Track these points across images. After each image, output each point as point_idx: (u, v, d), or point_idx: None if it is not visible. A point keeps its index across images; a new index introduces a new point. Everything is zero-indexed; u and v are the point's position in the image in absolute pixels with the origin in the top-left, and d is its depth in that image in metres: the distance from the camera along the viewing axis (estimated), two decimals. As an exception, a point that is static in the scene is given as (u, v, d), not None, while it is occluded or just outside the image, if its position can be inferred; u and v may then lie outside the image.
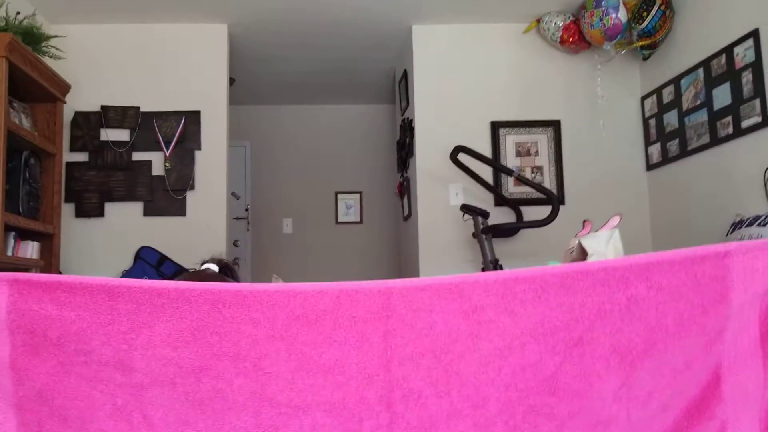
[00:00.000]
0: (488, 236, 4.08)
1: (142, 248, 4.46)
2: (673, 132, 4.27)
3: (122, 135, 4.55)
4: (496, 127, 4.75)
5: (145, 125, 4.56)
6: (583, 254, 1.78)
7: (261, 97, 6.60)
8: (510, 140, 4.75)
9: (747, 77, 3.53)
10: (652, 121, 4.55)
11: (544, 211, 4.00)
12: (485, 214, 4.15)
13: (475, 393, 1.04)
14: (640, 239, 4.57)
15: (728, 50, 3.67)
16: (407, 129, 5.07)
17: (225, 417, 1.03)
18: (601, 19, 4.18)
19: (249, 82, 6.00)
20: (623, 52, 4.43)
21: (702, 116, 3.92)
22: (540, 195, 4.22)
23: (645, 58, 4.44)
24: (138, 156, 4.55)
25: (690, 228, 4.11)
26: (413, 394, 1.04)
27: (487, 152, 4.64)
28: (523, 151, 4.75)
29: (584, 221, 2.02)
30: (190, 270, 4.21)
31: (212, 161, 4.63)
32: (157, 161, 4.56)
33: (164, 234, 4.50)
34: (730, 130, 3.66)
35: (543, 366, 1.04)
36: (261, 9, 4.52)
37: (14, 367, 1.03)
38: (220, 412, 1.03)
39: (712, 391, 1.07)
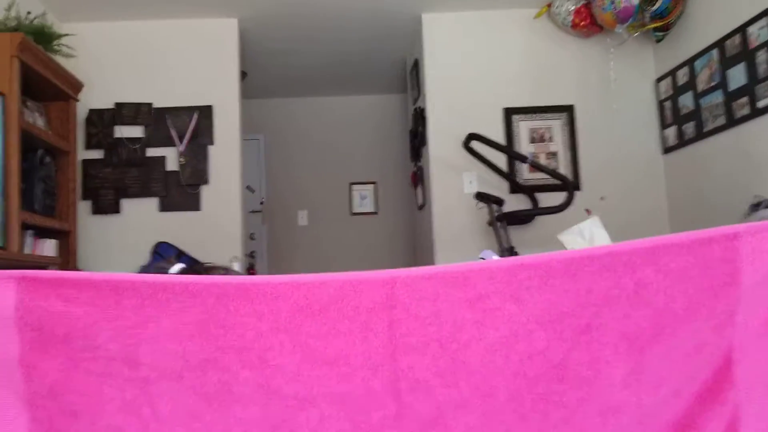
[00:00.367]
0: (503, 224, 4.07)
1: (159, 243, 4.48)
2: (688, 114, 4.22)
3: (136, 131, 4.58)
4: (509, 113, 4.72)
5: (159, 121, 4.58)
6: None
7: (273, 90, 6.61)
8: (523, 126, 4.72)
9: (762, 56, 3.47)
10: (667, 104, 4.50)
11: (559, 197, 3.97)
12: (500, 202, 4.13)
13: (483, 382, 1.03)
14: (657, 224, 4.53)
15: (742, 30, 3.62)
16: (419, 118, 5.05)
17: (232, 409, 1.03)
18: (612, 2, 4.13)
19: (261, 76, 6.01)
20: (636, 34, 4.38)
21: (717, 97, 3.87)
22: (555, 181, 4.19)
23: (658, 40, 4.38)
24: (152, 152, 4.57)
25: (708, 211, 4.06)
26: (420, 384, 1.04)
27: (500, 139, 4.61)
28: (537, 137, 4.72)
29: (586, 210, 2.02)
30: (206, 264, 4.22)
31: (225, 155, 4.64)
32: (171, 157, 4.58)
33: (179, 229, 4.52)
34: (747, 110, 3.61)
35: (551, 353, 1.03)
36: (271, 2, 4.52)
37: (24, 363, 1.03)
38: (227, 404, 1.03)
39: (724, 375, 1.05)
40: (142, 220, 4.53)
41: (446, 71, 4.79)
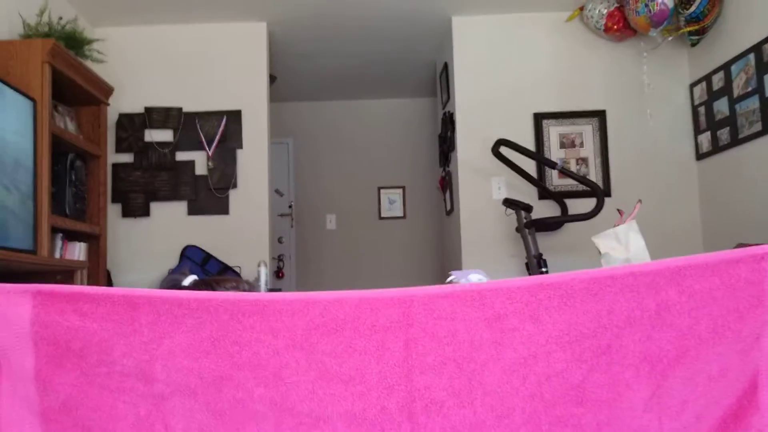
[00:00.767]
0: (532, 230, 4.02)
1: (188, 247, 4.51)
2: (723, 120, 4.14)
3: (166, 135, 4.61)
4: (539, 118, 4.67)
5: (188, 125, 4.62)
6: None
7: (302, 94, 6.62)
8: (554, 132, 4.66)
9: (799, 62, 3.39)
10: (702, 109, 4.42)
11: (589, 203, 3.92)
12: (528, 208, 4.09)
13: (500, 403, 1.01)
14: (689, 232, 4.46)
15: (780, 34, 3.54)
16: (448, 122, 5.03)
17: (246, 427, 1.03)
18: (646, 5, 4.07)
19: (290, 79, 6.02)
20: (670, 38, 4.30)
21: (754, 103, 3.79)
22: (585, 187, 4.14)
23: (693, 44, 4.31)
24: (181, 156, 4.61)
25: (743, 219, 3.98)
26: (435, 404, 1.02)
27: (530, 145, 4.57)
28: (567, 143, 4.66)
29: (618, 210, 1.98)
30: (233, 268, 4.24)
31: (254, 159, 4.66)
32: (200, 161, 4.61)
33: (208, 232, 4.55)
34: (783, 116, 3.53)
35: (569, 375, 1.01)
36: (299, 5, 4.53)
37: (39, 377, 1.04)
38: (241, 422, 1.03)
39: (749, 400, 1.02)
40: (171, 223, 4.56)
41: (476, 75, 4.76)
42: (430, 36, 5.16)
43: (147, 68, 4.67)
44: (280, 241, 6.61)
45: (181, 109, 4.63)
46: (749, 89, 3.83)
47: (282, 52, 5.26)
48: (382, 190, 6.84)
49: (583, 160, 4.64)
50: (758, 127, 3.74)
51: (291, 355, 1.02)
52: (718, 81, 4.19)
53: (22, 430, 1.03)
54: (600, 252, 1.89)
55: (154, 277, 4.42)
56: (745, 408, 1.02)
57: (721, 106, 4.14)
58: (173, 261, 4.48)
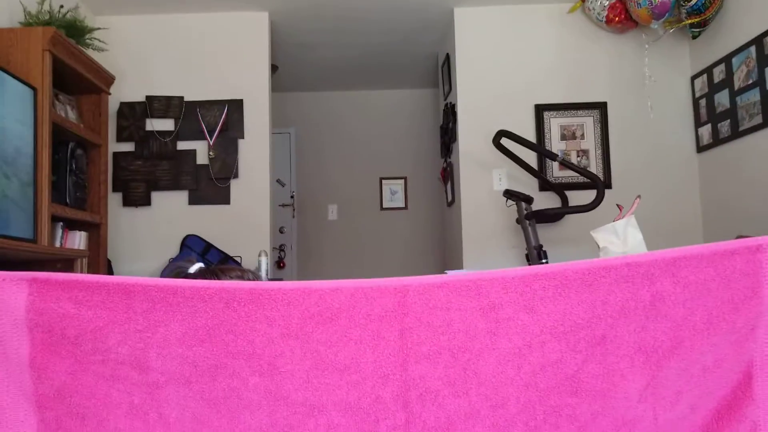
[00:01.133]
0: (532, 222, 4.02)
1: (188, 236, 4.52)
2: (724, 112, 4.13)
3: (167, 125, 4.61)
4: (540, 110, 4.66)
5: (189, 115, 4.62)
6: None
7: (304, 84, 6.61)
8: (555, 123, 4.66)
9: (802, 54, 3.38)
10: (703, 102, 4.41)
11: (589, 195, 3.92)
12: (529, 200, 4.09)
13: (494, 393, 1.01)
14: (689, 224, 4.46)
15: (782, 26, 3.53)
16: (450, 113, 5.02)
17: (240, 416, 1.03)
18: (648, -3, 4.05)
19: (292, 69, 6.01)
20: (671, 30, 4.29)
21: (755, 96, 3.78)
22: (585, 179, 4.14)
23: (694, 37, 4.29)
24: (182, 145, 4.61)
25: (743, 212, 3.98)
26: (430, 394, 1.02)
27: (531, 136, 4.56)
28: (568, 135, 4.66)
29: (618, 205, 1.98)
30: (234, 258, 4.24)
31: (255, 149, 4.66)
32: (201, 150, 4.61)
33: (209, 222, 4.55)
34: (784, 109, 3.52)
35: (564, 365, 1.01)
36: (301, -4, 4.52)
37: (34, 365, 1.04)
38: (236, 410, 1.03)
39: (743, 391, 1.02)
40: (171, 213, 4.57)
41: (478, 66, 4.75)
42: (432, 27, 5.15)
43: (148, 57, 4.66)
44: (281, 231, 6.61)
45: (182, 98, 4.63)
46: (750, 82, 3.82)
47: (284, 41, 5.25)
48: (383, 181, 6.84)
49: (584, 152, 4.63)
50: (759, 119, 3.73)
51: (286, 344, 1.02)
52: (719, 73, 4.18)
53: (17, 417, 1.03)
54: (599, 246, 1.89)
55: (155, 267, 4.43)
56: (740, 398, 1.02)
57: (722, 99, 4.14)
58: (174, 250, 4.49)
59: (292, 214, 6.76)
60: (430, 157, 6.68)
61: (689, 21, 4.11)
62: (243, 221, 4.57)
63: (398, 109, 6.93)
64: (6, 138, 2.94)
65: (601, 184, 3.84)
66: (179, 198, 4.59)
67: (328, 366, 1.02)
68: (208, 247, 4.51)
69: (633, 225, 1.90)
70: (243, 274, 1.60)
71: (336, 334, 1.02)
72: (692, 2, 4.00)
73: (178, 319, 1.02)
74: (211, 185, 4.59)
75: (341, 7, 4.72)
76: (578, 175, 4.27)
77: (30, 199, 3.12)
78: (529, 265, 4.02)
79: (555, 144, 4.62)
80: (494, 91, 4.70)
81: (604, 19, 4.47)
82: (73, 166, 3.71)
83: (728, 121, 4.07)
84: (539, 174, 4.53)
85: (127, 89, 4.56)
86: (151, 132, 4.58)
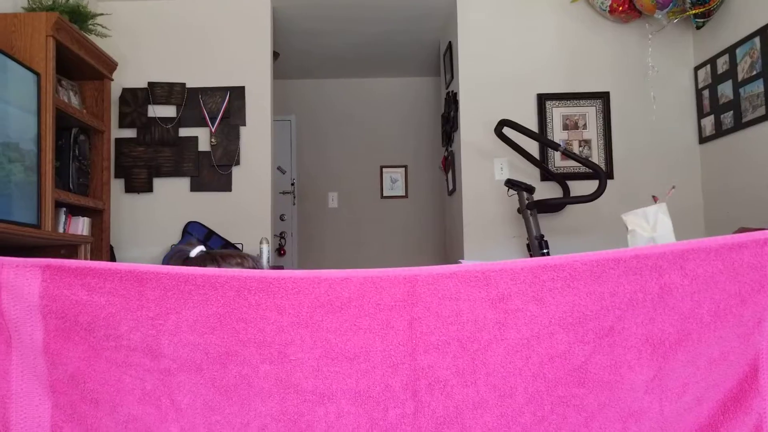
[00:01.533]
0: (534, 212, 4.03)
1: (190, 223, 4.53)
2: (727, 103, 4.13)
3: (169, 111, 4.61)
4: (542, 99, 4.66)
5: (191, 101, 4.61)
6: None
7: (306, 71, 6.60)
8: (557, 113, 4.66)
9: (806, 46, 3.38)
10: (706, 93, 4.41)
11: (591, 185, 3.93)
12: (530, 189, 4.09)
13: (502, 382, 1.03)
14: (691, 215, 4.46)
15: (786, 18, 3.53)
16: (452, 102, 5.02)
17: (251, 403, 1.04)
18: (652, -13, 4.05)
19: (293, 56, 6.00)
20: (675, 20, 4.29)
21: (758, 87, 3.78)
22: (587, 169, 4.14)
23: (698, 27, 4.29)
24: (184, 132, 4.61)
25: (745, 203, 3.98)
26: (439, 383, 1.03)
27: (533, 125, 4.56)
28: (570, 124, 4.65)
29: (653, 197, 2.00)
30: (235, 245, 4.25)
31: (257, 136, 4.66)
32: (203, 137, 4.61)
33: (210, 209, 4.56)
34: (787, 101, 3.52)
35: (572, 356, 1.02)
36: (304, -17, 4.51)
37: (47, 351, 1.05)
38: (246, 398, 1.04)
39: (750, 384, 1.04)
40: (173, 199, 4.57)
41: (480, 55, 4.74)
42: (435, 15, 5.14)
43: (151, 43, 4.65)
44: (282, 218, 6.62)
45: (184, 84, 4.62)
46: (754, 73, 3.82)
47: (285, 29, 5.24)
48: (384, 169, 6.84)
49: (586, 142, 4.63)
50: (762, 111, 3.73)
51: (296, 332, 1.03)
52: (722, 64, 4.17)
53: (32, 402, 1.05)
54: (627, 228, 1.90)
55: (157, 253, 4.44)
56: (746, 391, 1.03)
57: (726, 90, 4.14)
58: (175, 237, 4.50)
59: (293, 202, 6.77)
60: (430, 145, 6.68)
61: (693, 11, 4.10)
62: (244, 208, 4.58)
63: (399, 97, 6.92)
64: (9, 123, 2.94)
65: (603, 174, 3.85)
66: (181, 185, 4.60)
67: (338, 354, 1.04)
68: (210, 233, 4.52)
69: (664, 212, 1.91)
70: (243, 261, 1.61)
71: (346, 323, 1.03)
72: (696, -7, 3.99)
73: (189, 306, 1.03)
74: (213, 172, 4.59)
75: (344, -6, 4.71)
76: (580, 165, 4.27)
77: (34, 185, 3.12)
78: (530, 255, 4.03)
79: (557, 134, 4.62)
80: (496, 80, 4.69)
81: (608, 9, 4.46)
82: (77, 152, 3.71)
83: (731, 112, 4.07)
84: (541, 164, 4.54)
85: (130, 75, 4.55)
86: (153, 118, 4.57)
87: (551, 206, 4.31)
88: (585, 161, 3.98)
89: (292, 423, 1.04)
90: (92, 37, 3.83)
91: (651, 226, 1.88)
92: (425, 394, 1.03)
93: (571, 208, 4.46)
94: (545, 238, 3.97)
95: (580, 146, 4.61)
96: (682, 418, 1.03)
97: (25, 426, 1.04)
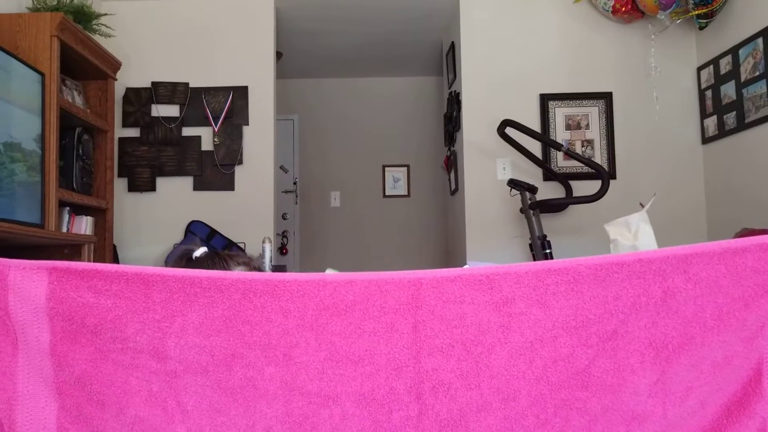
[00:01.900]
0: (536, 212, 4.03)
1: (192, 222, 4.53)
2: (730, 104, 4.13)
3: (172, 111, 4.61)
4: (545, 99, 4.66)
5: (194, 101, 4.62)
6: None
7: (308, 71, 6.60)
8: (560, 113, 4.65)
9: (809, 47, 3.38)
10: (708, 93, 4.41)
11: (594, 186, 3.93)
12: (533, 189, 4.09)
13: (506, 385, 1.03)
14: (694, 216, 4.46)
15: (789, 19, 3.52)
16: (454, 102, 5.02)
17: (256, 405, 1.04)
18: (655, -12, 4.04)
19: (296, 56, 6.01)
20: (678, 21, 4.28)
21: (761, 87, 3.78)
22: (590, 169, 4.14)
23: (701, 28, 4.28)
24: (187, 131, 4.61)
25: (748, 204, 3.98)
26: (443, 386, 1.04)
27: (535, 125, 4.56)
28: (573, 125, 4.65)
29: (641, 203, 2.01)
30: (238, 244, 4.26)
31: (260, 136, 4.66)
32: (206, 136, 4.62)
33: (213, 208, 4.57)
34: (790, 102, 3.52)
35: (575, 359, 1.03)
36: (307, -18, 4.51)
37: (54, 353, 1.06)
38: (252, 400, 1.04)
39: (753, 388, 1.04)
40: (176, 198, 4.58)
41: (483, 55, 4.74)
42: (438, 15, 5.14)
43: (154, 43, 4.66)
44: (284, 217, 6.63)
45: (187, 84, 4.63)
46: (757, 74, 3.82)
47: (288, 28, 5.24)
48: (386, 169, 6.84)
49: (589, 142, 4.63)
50: (765, 111, 3.73)
51: (301, 335, 1.04)
52: (725, 65, 4.17)
53: (38, 404, 1.05)
54: (610, 238, 1.93)
55: (159, 252, 4.45)
56: (750, 395, 1.04)
57: (728, 90, 4.13)
58: (178, 236, 4.51)
59: (295, 201, 6.77)
60: (433, 145, 6.68)
61: (696, 12, 4.10)
62: (247, 207, 4.58)
63: (402, 97, 6.92)
64: (14, 123, 2.95)
65: (605, 174, 3.85)
66: (184, 184, 4.60)
67: (342, 357, 1.04)
68: (213, 233, 4.53)
69: (645, 220, 1.92)
70: (249, 261, 1.63)
71: (350, 326, 1.04)
72: (700, -7, 3.99)
73: (195, 309, 1.04)
74: (216, 171, 4.60)
75: (347, -6, 4.71)
76: (583, 165, 4.27)
77: (37, 185, 3.13)
78: (533, 255, 4.04)
79: (559, 134, 4.62)
80: (499, 80, 4.69)
81: (611, 9, 4.46)
82: (80, 151, 3.72)
83: (734, 112, 4.07)
84: (543, 164, 4.54)
85: (133, 75, 4.56)
86: (157, 118, 4.58)
87: (554, 206, 4.31)
88: (587, 161, 3.98)
89: (297, 425, 1.04)
90: (96, 37, 3.84)
91: (633, 235, 1.90)
92: (429, 396, 1.04)
93: (573, 209, 4.46)
94: (548, 238, 3.97)
95: (582, 146, 4.62)
96: (685, 422, 1.03)
97: (31, 428, 1.05)
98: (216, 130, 4.59)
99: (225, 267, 1.55)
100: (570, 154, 4.03)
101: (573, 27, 4.69)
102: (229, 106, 4.62)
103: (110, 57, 3.96)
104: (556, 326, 1.02)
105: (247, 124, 4.65)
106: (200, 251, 1.61)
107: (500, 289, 1.02)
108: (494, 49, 4.73)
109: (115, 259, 4.21)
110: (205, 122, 4.61)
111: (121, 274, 1.04)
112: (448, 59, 5.35)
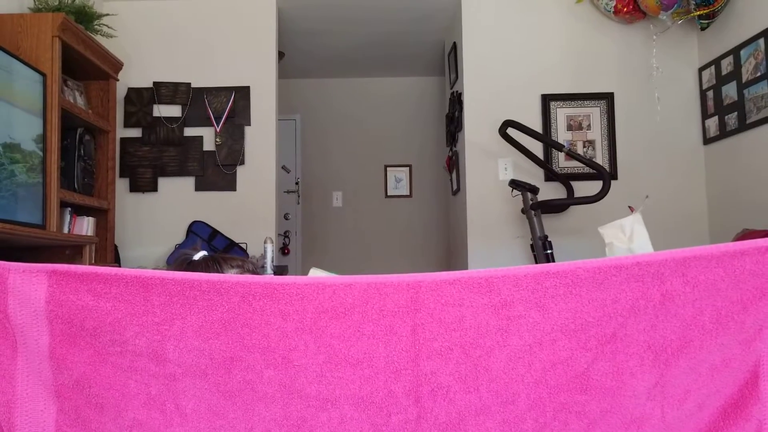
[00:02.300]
0: (537, 212, 4.03)
1: (194, 222, 4.53)
2: (731, 105, 4.12)
3: (174, 111, 4.62)
4: (547, 100, 4.65)
5: (196, 101, 4.62)
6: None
7: (310, 71, 6.60)
8: (561, 114, 4.65)
9: (811, 48, 3.37)
10: (710, 94, 4.40)
11: (595, 186, 3.92)
12: (534, 190, 4.09)
13: (505, 389, 1.03)
14: (695, 217, 4.46)
15: (791, 19, 3.52)
16: (456, 102, 5.02)
17: (255, 408, 1.05)
18: (657, -12, 4.04)
19: (298, 56, 6.01)
20: (680, 21, 4.28)
21: (763, 88, 3.78)
22: (591, 170, 4.14)
23: (703, 28, 4.28)
24: (189, 131, 4.61)
25: (749, 204, 3.98)
26: (442, 389, 1.04)
27: (537, 126, 4.56)
28: (574, 125, 4.65)
29: (630, 207, 2.01)
30: (239, 245, 4.26)
31: (261, 136, 4.66)
32: (208, 137, 4.62)
33: (215, 208, 4.57)
34: (792, 103, 3.52)
35: (574, 362, 1.03)
36: (309, -17, 4.51)
37: (53, 356, 1.06)
38: (250, 403, 1.05)
39: (750, 391, 1.04)
40: (178, 199, 4.58)
41: (484, 55, 4.74)
42: (440, 16, 5.14)
43: (156, 43, 4.66)
44: (286, 217, 6.63)
45: (189, 84, 4.63)
46: (758, 74, 3.81)
47: (290, 29, 5.24)
48: (388, 169, 6.84)
49: (590, 143, 4.63)
50: (766, 112, 3.73)
51: (300, 338, 1.04)
52: (727, 65, 4.17)
53: (37, 406, 1.06)
54: (605, 242, 1.92)
55: (161, 252, 4.45)
56: (747, 398, 1.04)
57: (730, 91, 4.13)
58: (180, 236, 4.51)
59: (297, 201, 6.77)
60: (435, 145, 6.68)
61: (698, 12, 4.09)
62: (249, 208, 4.58)
63: (404, 97, 6.92)
64: (16, 124, 2.95)
65: (607, 175, 3.85)
66: (186, 184, 4.61)
67: (341, 360, 1.04)
68: (214, 233, 4.53)
69: (639, 222, 1.92)
70: (243, 264, 1.63)
71: (349, 329, 1.04)
72: (701, -6, 3.98)
73: (194, 312, 1.04)
74: (218, 172, 4.60)
75: (349, -6, 4.71)
76: (584, 165, 4.27)
77: (39, 185, 3.13)
78: (534, 255, 4.04)
79: (561, 134, 4.62)
80: (501, 81, 4.69)
81: (612, 10, 4.45)
82: (82, 151, 3.72)
83: (735, 113, 4.06)
84: (545, 164, 4.53)
85: (135, 75, 4.56)
86: (158, 118, 4.58)
87: (555, 207, 4.30)
88: (589, 162, 3.97)
89: (295, 428, 1.04)
90: (98, 38, 3.84)
91: (628, 237, 1.90)
92: (428, 400, 1.04)
93: (575, 209, 4.45)
94: (549, 239, 3.97)
95: (584, 147, 4.61)
96: (683, 425, 1.03)
97: (30, 430, 1.05)
98: (218, 130, 4.59)
99: (219, 270, 1.56)
100: (571, 155, 4.02)
101: (574, 27, 4.68)
102: (231, 106, 4.62)
103: (112, 57, 3.97)
104: (555, 329, 1.02)
105: (249, 125, 4.65)
106: (199, 255, 1.62)
107: (499, 292, 1.02)
108: (496, 50, 4.72)
109: (117, 260, 4.22)
110: (206, 122, 4.61)
111: (121, 277, 1.04)
112: (450, 59, 5.35)
